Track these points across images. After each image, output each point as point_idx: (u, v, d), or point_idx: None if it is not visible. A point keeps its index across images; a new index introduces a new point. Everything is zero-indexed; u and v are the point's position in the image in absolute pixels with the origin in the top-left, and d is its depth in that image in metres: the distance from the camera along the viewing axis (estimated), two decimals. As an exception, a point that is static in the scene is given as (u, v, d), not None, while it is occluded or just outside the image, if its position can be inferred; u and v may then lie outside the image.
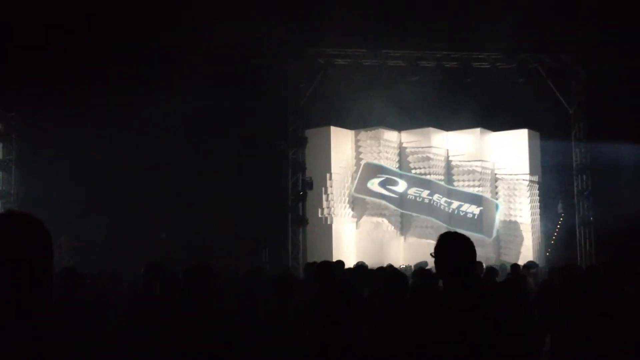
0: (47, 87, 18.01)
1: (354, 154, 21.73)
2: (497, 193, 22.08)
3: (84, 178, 17.64)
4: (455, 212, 21.30)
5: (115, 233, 18.13)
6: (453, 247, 3.25)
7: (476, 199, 21.32)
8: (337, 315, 5.28)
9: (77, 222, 17.57)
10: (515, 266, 12.60)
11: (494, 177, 22.09)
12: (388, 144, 21.65)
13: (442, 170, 21.78)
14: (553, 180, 21.50)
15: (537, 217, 21.72)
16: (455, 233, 3.34)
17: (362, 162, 21.40)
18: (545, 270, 14.24)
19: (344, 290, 5.56)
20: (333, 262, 9.99)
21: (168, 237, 18.17)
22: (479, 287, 3.78)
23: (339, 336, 5.16)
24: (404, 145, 22.02)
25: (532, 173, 21.70)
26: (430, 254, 3.27)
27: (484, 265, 16.90)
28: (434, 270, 3.52)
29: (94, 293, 7.92)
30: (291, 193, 20.03)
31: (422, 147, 21.67)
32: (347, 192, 21.34)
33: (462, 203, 21.34)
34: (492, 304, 3.27)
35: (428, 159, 21.54)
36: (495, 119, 20.96)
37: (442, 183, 21.63)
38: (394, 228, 21.36)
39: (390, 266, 12.25)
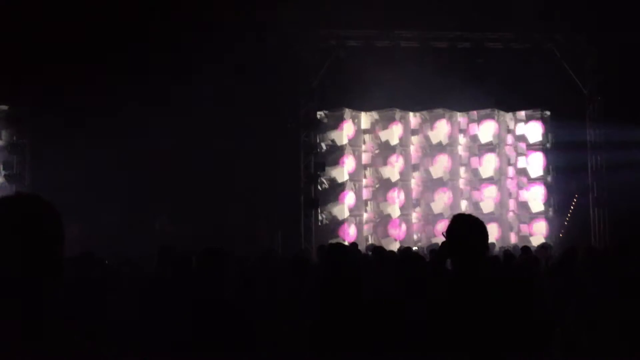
0: (62, 71, 18.06)
1: (367, 135, 21.64)
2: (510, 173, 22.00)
3: (99, 163, 17.70)
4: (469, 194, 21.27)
5: (130, 218, 18.21)
6: (465, 229, 3.23)
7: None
8: (339, 307, 5.19)
9: (91, 207, 17.66)
10: (526, 248, 12.55)
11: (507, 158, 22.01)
12: (401, 125, 21.55)
13: (455, 151, 21.70)
14: (567, 161, 21.36)
15: (551, 198, 21.62)
16: (469, 215, 3.33)
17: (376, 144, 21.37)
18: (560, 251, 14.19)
19: (347, 279, 5.45)
20: (346, 244, 9.96)
21: (169, 219, 18.20)
22: (491, 269, 3.77)
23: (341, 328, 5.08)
24: (416, 126, 21.92)
25: (546, 154, 21.58)
26: (443, 233, 3.26)
27: (497, 247, 16.93)
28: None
29: (107, 276, 7.99)
30: (303, 175, 20.03)
31: (435, 128, 21.59)
32: (359, 173, 21.30)
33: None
34: (504, 286, 3.26)
35: (441, 139, 21.47)
36: (509, 100, 20.82)
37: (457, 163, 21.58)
38: (407, 210, 21.32)
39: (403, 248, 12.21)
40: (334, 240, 18.09)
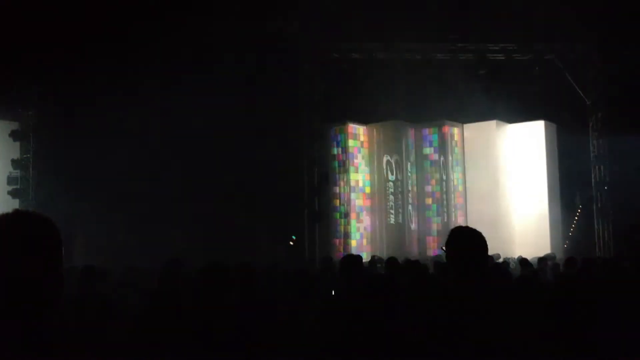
0: (64, 86, 18.16)
1: (370, 148, 21.67)
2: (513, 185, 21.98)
3: (102, 176, 17.77)
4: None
5: (134, 229, 18.24)
6: (464, 242, 3.24)
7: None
8: (375, 311, 5.17)
9: (94, 220, 17.70)
10: (526, 260, 12.50)
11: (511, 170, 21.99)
12: (404, 137, 21.58)
13: (459, 164, 21.70)
14: (570, 172, 21.34)
15: (555, 208, 21.57)
16: (467, 227, 3.34)
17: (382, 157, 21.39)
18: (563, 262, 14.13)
19: (383, 284, 5.43)
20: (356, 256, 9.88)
21: (183, 234, 18.27)
22: (491, 281, 3.77)
23: (376, 332, 5.06)
24: (418, 138, 21.94)
25: (549, 165, 21.55)
26: (442, 248, 3.27)
27: (501, 258, 16.86)
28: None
29: (113, 289, 7.99)
30: (307, 188, 20.04)
31: (437, 140, 21.61)
32: (362, 186, 21.30)
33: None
34: (504, 298, 3.27)
35: (444, 151, 21.47)
36: (512, 111, 20.82)
37: (457, 176, 21.58)
38: (410, 222, 21.30)
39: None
40: (337, 253, 18.09)
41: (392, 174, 21.30)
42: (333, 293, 6.69)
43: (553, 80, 19.99)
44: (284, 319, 5.83)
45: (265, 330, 5.44)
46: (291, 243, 18.06)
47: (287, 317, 5.82)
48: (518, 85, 19.56)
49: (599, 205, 20.69)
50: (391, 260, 9.80)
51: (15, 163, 18.96)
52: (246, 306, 6.14)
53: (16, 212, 1.89)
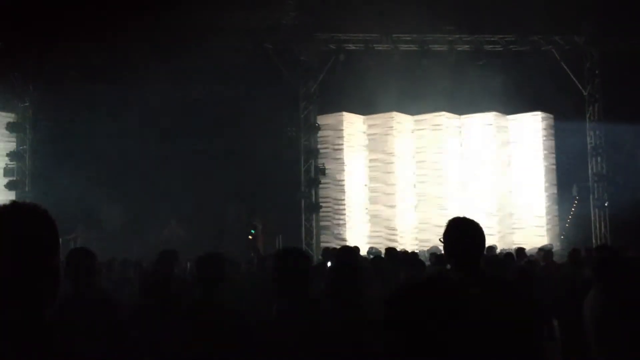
0: (60, 77, 18.12)
1: (367, 139, 21.61)
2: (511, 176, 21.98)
3: (98, 167, 17.77)
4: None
5: (130, 221, 18.25)
6: (461, 233, 3.23)
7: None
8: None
9: (91, 211, 17.71)
10: (521, 250, 12.54)
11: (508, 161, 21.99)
12: (400, 128, 21.52)
13: (456, 155, 21.67)
14: (567, 163, 21.35)
15: (552, 200, 21.59)
16: (464, 218, 3.32)
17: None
18: (562, 254, 14.18)
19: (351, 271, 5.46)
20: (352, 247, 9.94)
21: (179, 225, 18.32)
22: (488, 273, 3.78)
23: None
24: (416, 129, 21.89)
25: (546, 156, 21.55)
26: (440, 239, 3.26)
27: (499, 249, 16.90)
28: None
29: (109, 281, 8.02)
30: (304, 179, 20.03)
31: (435, 131, 21.57)
32: (359, 178, 21.28)
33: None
34: (500, 289, 3.27)
35: (441, 143, 21.44)
36: (509, 102, 20.77)
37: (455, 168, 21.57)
38: (408, 214, 21.29)
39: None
40: (334, 244, 18.10)
41: (391, 165, 21.23)
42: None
43: (550, 71, 19.95)
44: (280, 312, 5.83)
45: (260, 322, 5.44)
46: (250, 237, 18.01)
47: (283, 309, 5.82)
48: (515, 76, 19.49)
49: (596, 196, 20.72)
50: (390, 250, 9.87)
51: (11, 155, 18.91)
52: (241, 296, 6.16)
53: (13, 204, 1.88)
